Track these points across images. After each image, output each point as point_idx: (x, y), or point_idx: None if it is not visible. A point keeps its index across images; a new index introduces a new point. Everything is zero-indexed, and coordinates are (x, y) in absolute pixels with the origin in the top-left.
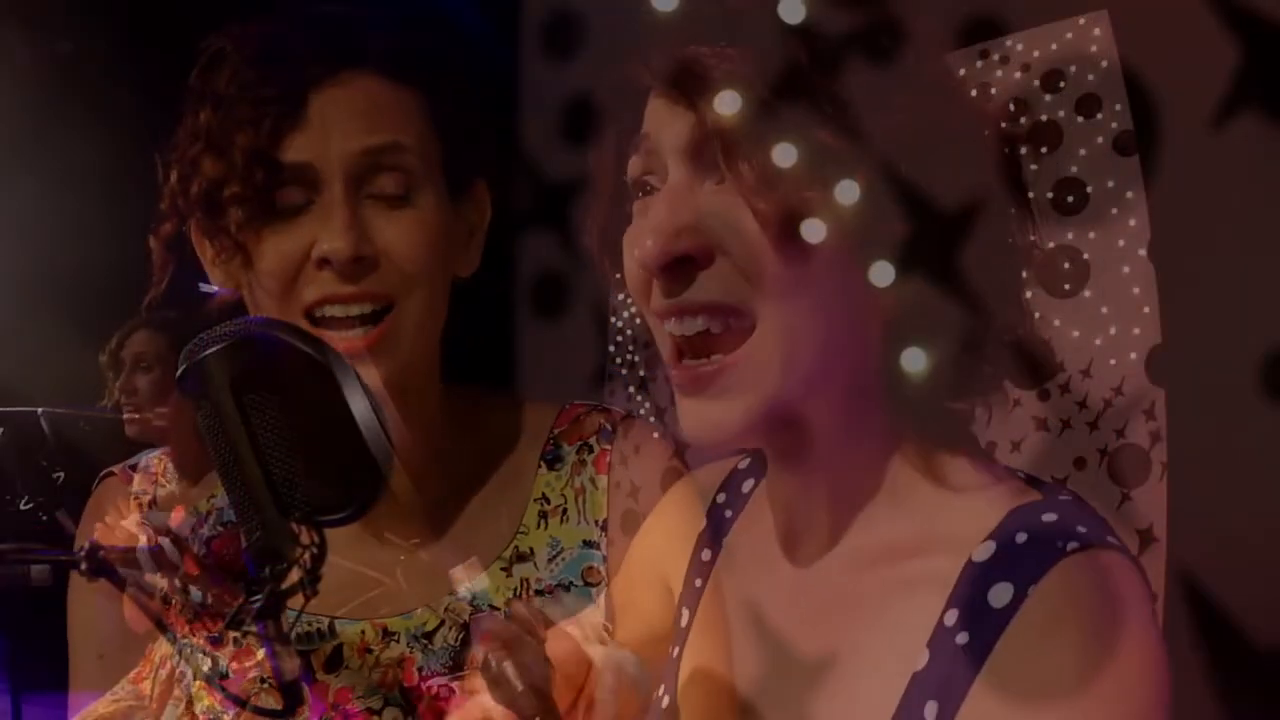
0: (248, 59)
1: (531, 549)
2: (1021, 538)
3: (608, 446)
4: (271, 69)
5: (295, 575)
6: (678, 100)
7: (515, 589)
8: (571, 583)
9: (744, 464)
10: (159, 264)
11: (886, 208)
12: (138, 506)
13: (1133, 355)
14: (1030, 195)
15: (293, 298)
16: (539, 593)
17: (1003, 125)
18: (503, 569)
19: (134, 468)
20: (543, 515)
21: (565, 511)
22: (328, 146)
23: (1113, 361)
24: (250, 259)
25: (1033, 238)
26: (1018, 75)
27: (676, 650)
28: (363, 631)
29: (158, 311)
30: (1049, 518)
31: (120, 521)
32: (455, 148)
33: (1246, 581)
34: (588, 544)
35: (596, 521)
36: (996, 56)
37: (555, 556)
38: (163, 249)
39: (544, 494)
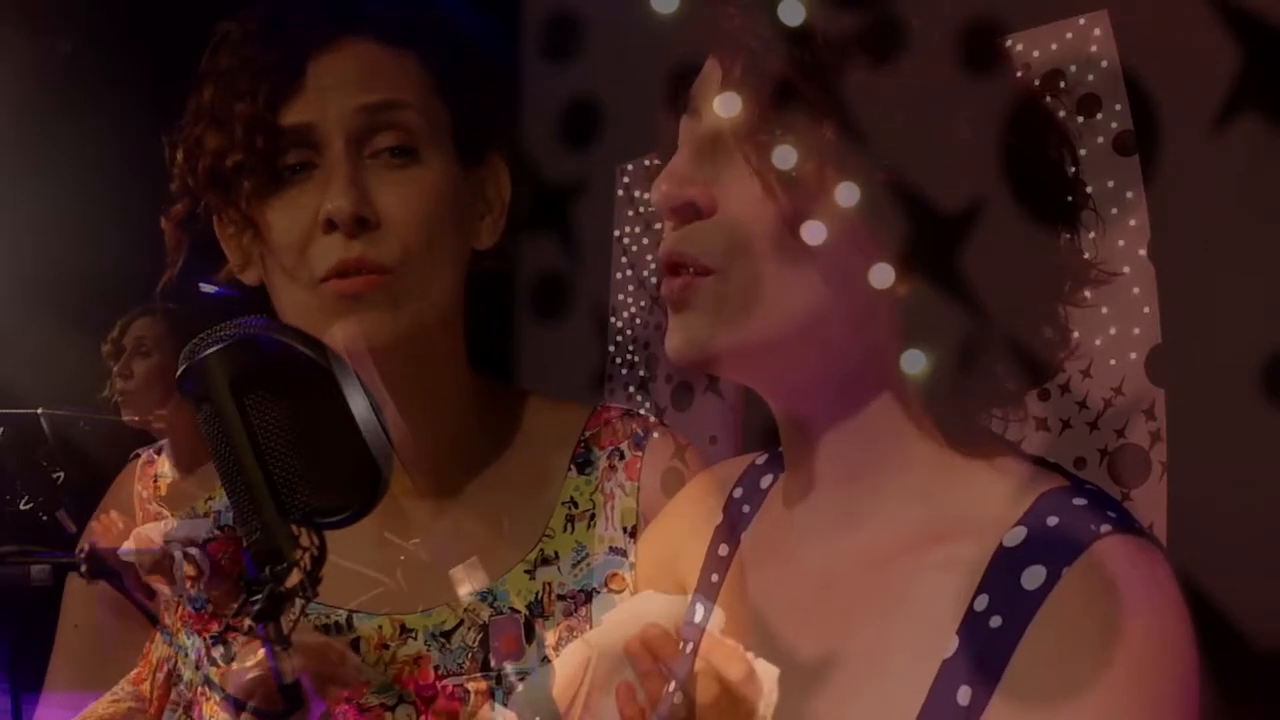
0: (249, 35)
1: (556, 553)
2: (1053, 521)
3: (639, 453)
4: (270, 41)
5: (295, 577)
6: (716, 64)
7: (537, 593)
8: (595, 589)
9: (761, 460)
10: (172, 245)
11: (898, 197)
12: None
13: (1133, 355)
14: (1079, 205)
15: (304, 269)
16: (560, 598)
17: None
18: (526, 572)
19: (159, 451)
20: (570, 519)
21: (593, 516)
22: (326, 107)
23: (1113, 361)
24: (261, 232)
25: (1085, 255)
26: (1018, 75)
27: (689, 646)
28: (380, 627)
29: (162, 301)
30: (1079, 502)
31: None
32: (463, 114)
33: (1246, 581)
34: (614, 550)
35: (625, 528)
36: None
37: (580, 562)
38: (176, 230)
39: (572, 498)
